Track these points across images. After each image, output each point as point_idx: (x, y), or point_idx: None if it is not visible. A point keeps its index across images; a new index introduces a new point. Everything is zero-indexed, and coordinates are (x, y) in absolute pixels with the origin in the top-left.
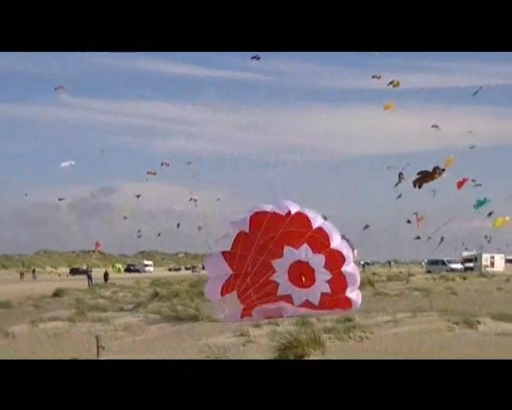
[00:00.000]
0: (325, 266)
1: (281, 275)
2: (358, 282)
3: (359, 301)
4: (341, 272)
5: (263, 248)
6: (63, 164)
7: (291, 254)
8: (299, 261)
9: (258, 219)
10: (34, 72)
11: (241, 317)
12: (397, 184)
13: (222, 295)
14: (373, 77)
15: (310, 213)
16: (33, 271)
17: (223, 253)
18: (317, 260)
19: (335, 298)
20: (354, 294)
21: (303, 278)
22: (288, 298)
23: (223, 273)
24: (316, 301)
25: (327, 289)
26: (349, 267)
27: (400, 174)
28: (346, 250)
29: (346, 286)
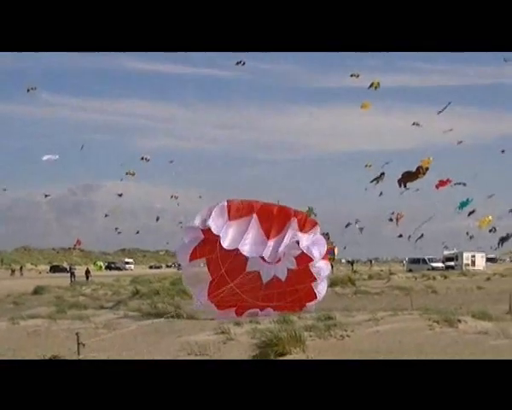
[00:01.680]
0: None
1: (255, 260)
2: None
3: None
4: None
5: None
6: (46, 157)
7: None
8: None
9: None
10: (10, 68)
11: (237, 314)
12: (376, 182)
13: (190, 260)
14: (351, 75)
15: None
16: (21, 268)
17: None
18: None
19: (302, 270)
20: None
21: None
22: (256, 274)
23: (195, 237)
24: (283, 277)
25: (293, 264)
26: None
27: (382, 174)
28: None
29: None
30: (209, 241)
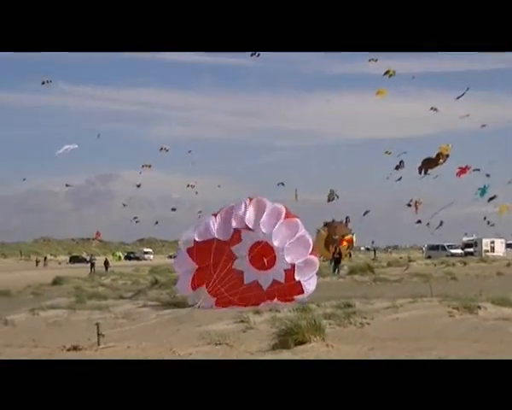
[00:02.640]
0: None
1: (242, 261)
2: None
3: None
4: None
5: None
6: (66, 146)
7: (248, 237)
8: (258, 242)
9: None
10: (27, 58)
11: (217, 305)
12: (397, 168)
13: (193, 289)
14: (370, 60)
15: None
16: (45, 258)
17: (187, 250)
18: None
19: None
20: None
21: (265, 260)
22: (255, 284)
23: (189, 269)
24: (282, 279)
25: (287, 265)
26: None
27: (401, 162)
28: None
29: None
30: (203, 268)
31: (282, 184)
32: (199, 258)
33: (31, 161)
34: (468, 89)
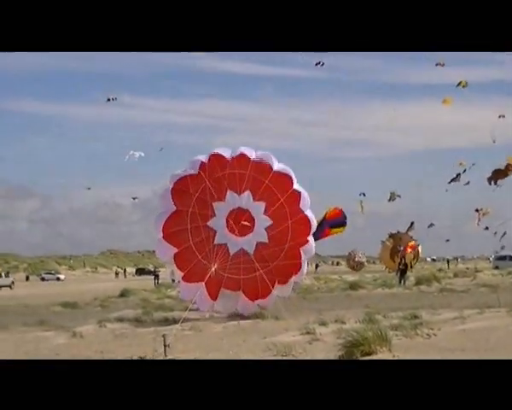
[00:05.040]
0: (266, 213)
1: (219, 221)
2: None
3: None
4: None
5: (205, 189)
6: (133, 152)
7: (232, 199)
8: (240, 209)
9: (209, 160)
10: (92, 71)
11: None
12: (453, 181)
13: (163, 232)
14: (437, 64)
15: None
16: (124, 270)
17: (171, 189)
18: (258, 208)
19: (278, 249)
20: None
21: (244, 222)
22: (223, 247)
23: (167, 209)
24: (251, 250)
25: (264, 238)
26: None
27: (458, 174)
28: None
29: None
30: (180, 212)
31: (364, 194)
32: (177, 240)
33: (97, 173)
34: None
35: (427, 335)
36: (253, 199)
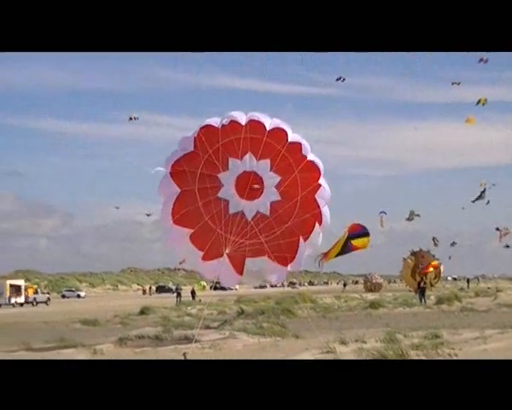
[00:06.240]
0: (272, 170)
1: (228, 190)
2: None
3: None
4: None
5: (207, 163)
6: (159, 168)
7: (235, 165)
8: (245, 172)
9: (200, 134)
10: (111, 90)
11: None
12: (478, 200)
13: (173, 217)
14: (453, 83)
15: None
16: (150, 288)
17: (170, 173)
18: (263, 166)
19: (292, 204)
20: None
21: (256, 186)
22: (239, 215)
23: (171, 193)
24: (267, 211)
25: (276, 196)
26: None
27: (482, 192)
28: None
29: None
30: (186, 193)
31: (385, 213)
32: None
33: (118, 191)
34: None
35: (448, 354)
36: (256, 159)
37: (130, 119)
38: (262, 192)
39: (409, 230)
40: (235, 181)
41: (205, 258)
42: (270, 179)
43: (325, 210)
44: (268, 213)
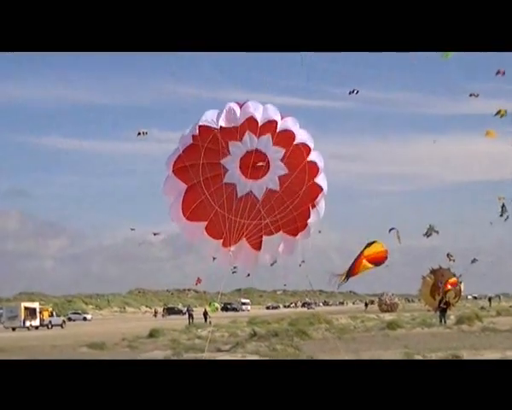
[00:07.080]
0: (275, 143)
1: (234, 174)
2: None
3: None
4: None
5: (208, 151)
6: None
7: (251, 140)
8: (248, 152)
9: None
10: (120, 105)
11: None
12: (502, 215)
13: (185, 216)
14: (470, 95)
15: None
16: (163, 310)
17: (173, 171)
18: (265, 141)
19: (289, 202)
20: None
21: (261, 163)
22: (249, 195)
23: (179, 189)
24: (276, 186)
25: (283, 169)
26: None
27: (503, 206)
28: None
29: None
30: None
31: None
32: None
33: (126, 209)
34: None
35: None
36: (256, 136)
37: (139, 134)
38: (269, 168)
39: (426, 246)
40: (239, 163)
41: (224, 245)
42: (275, 154)
43: (323, 175)
44: (278, 188)
